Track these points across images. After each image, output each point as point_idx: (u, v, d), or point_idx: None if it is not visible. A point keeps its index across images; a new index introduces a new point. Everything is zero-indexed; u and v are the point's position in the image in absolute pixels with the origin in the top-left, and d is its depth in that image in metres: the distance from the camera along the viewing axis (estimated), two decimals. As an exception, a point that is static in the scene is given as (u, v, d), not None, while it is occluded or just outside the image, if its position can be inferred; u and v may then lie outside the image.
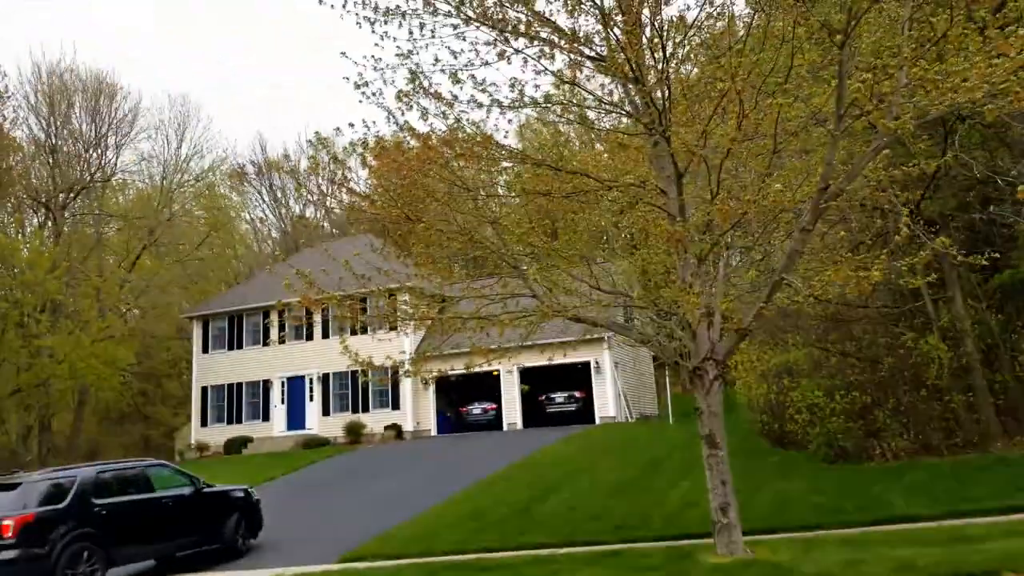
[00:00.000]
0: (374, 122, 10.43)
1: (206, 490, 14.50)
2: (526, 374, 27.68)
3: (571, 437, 23.91)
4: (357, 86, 9.35)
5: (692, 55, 9.81)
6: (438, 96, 9.33)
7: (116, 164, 43.20)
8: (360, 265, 10.07)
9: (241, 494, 15.19)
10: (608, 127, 10.98)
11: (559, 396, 30.01)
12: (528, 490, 16.66)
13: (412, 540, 13.45)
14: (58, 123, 40.58)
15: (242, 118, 74.65)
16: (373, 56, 9.22)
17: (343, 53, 9.07)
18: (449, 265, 10.70)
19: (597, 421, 28.42)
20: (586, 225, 11.29)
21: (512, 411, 29.61)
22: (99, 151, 41.63)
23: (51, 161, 39.83)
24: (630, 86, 9.22)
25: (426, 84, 9.23)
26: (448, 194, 10.19)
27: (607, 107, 9.68)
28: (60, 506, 12.17)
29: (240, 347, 33.95)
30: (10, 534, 11.48)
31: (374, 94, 9.39)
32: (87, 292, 36.18)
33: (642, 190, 9.76)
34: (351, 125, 9.85)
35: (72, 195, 40.31)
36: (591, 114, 10.16)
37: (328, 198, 47.74)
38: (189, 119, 47.09)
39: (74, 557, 12.00)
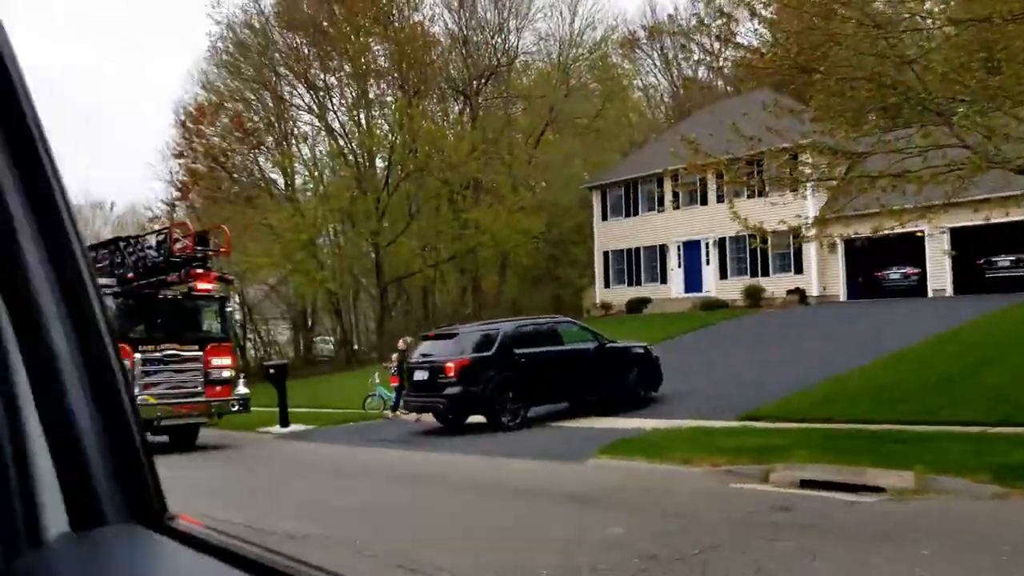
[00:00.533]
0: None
1: (608, 345, 15.71)
2: (958, 234, 24.11)
3: (1017, 306, 20.53)
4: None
5: None
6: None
7: (518, 47, 46.39)
8: (751, 126, 9.54)
9: (641, 350, 16.16)
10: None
11: (1003, 259, 25.77)
12: (954, 363, 14.87)
13: (814, 405, 13.09)
14: (467, 15, 44.68)
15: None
16: None
17: None
18: (855, 117, 9.58)
19: (1054, 287, 24.01)
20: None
21: (939, 276, 26.39)
22: (503, 36, 45.05)
23: (464, 52, 44.25)
24: None
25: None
26: (852, 35, 8.98)
27: None
28: (488, 354, 14.26)
29: (636, 213, 35.24)
30: (452, 374, 13.90)
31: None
32: (501, 169, 40.37)
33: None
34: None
35: (483, 81, 44.54)
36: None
37: (716, 57, 45.85)
38: (581, -9, 47.86)
39: (502, 395, 14.13)
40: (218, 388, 15.58)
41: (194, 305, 15.95)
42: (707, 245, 32.19)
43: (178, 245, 15.27)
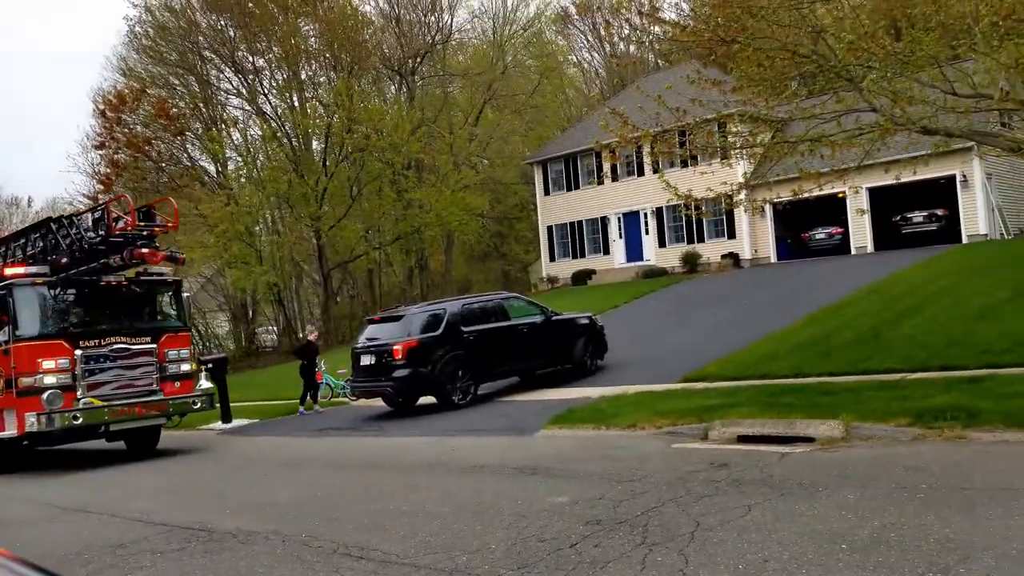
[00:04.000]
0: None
1: (554, 318, 16.01)
2: (876, 193, 25.22)
3: (931, 260, 21.67)
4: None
5: None
6: None
7: (452, 25, 46.11)
8: (675, 98, 9.83)
9: (586, 321, 16.51)
10: None
11: (916, 215, 27.09)
12: (877, 316, 15.67)
13: (752, 363, 13.61)
14: (399, -7, 44.09)
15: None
16: None
17: None
18: (772, 86, 9.96)
19: (964, 240, 25.32)
20: (942, 19, 9.61)
21: (861, 234, 27.51)
22: (436, 14, 44.67)
23: (397, 31, 43.75)
24: None
25: None
26: (767, 7, 9.32)
27: None
28: (436, 333, 14.39)
29: (577, 187, 35.63)
30: (400, 356, 13.97)
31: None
32: (442, 148, 40.24)
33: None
34: (658, -53, 9.35)
35: (418, 60, 44.18)
36: None
37: (641, 32, 46.32)
38: (512, -32, 47.80)
39: (452, 374, 14.28)
40: (176, 384, 13.96)
41: (143, 290, 14.17)
42: (645, 215, 32.80)
43: (119, 224, 13.26)
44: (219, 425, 17.26)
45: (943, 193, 25.96)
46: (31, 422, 12.24)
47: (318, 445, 13.33)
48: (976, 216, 25.46)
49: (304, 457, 12.11)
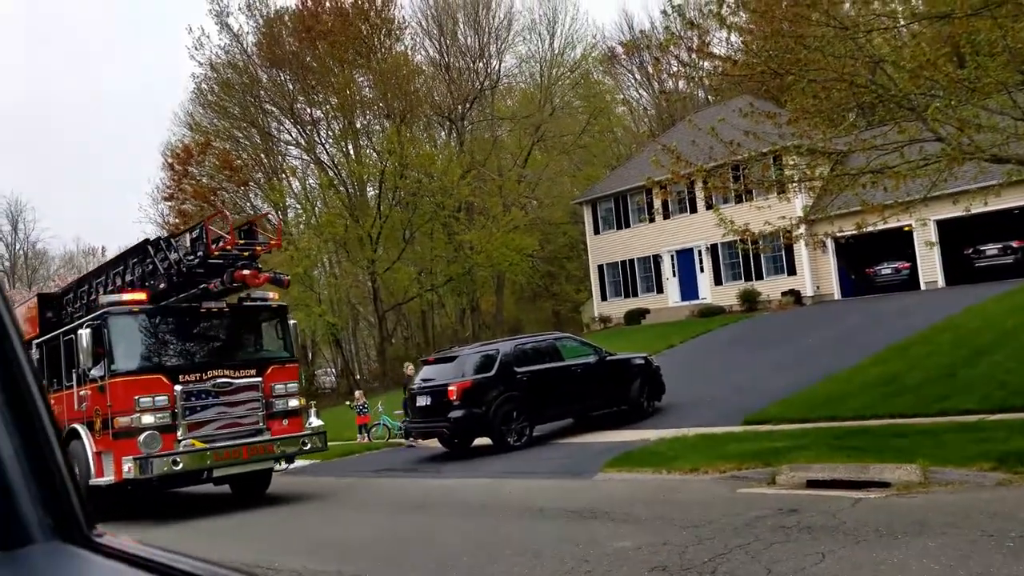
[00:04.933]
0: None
1: (608, 358, 15.76)
2: (945, 226, 24.29)
3: (1007, 294, 20.66)
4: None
5: None
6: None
7: (500, 70, 46.87)
8: (728, 132, 9.69)
9: (641, 361, 16.22)
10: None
11: (990, 248, 25.98)
12: (951, 353, 14.97)
13: (817, 404, 13.15)
14: (448, 42, 45.16)
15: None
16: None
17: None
18: (829, 117, 9.74)
19: (1041, 273, 24.22)
20: (1009, 44, 9.29)
21: (930, 268, 26.54)
22: (484, 60, 45.50)
23: (447, 78, 44.65)
24: None
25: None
26: (821, 38, 9.15)
27: None
28: (490, 374, 14.30)
29: (628, 226, 35.40)
30: (455, 397, 13.89)
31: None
32: (491, 191, 40.63)
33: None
34: (708, -17, 9.32)
35: (468, 105, 44.92)
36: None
37: (690, 68, 46.37)
38: (558, 13, 48.55)
39: (506, 415, 14.14)
40: (285, 422, 12.47)
41: (246, 317, 12.81)
42: (699, 252, 32.34)
43: (218, 244, 11.77)
44: (281, 465, 17.29)
45: (1018, 224, 24.92)
46: (128, 467, 10.93)
47: (378, 486, 13.31)
48: (1053, 247, 24.42)
49: (365, 499, 12.09)
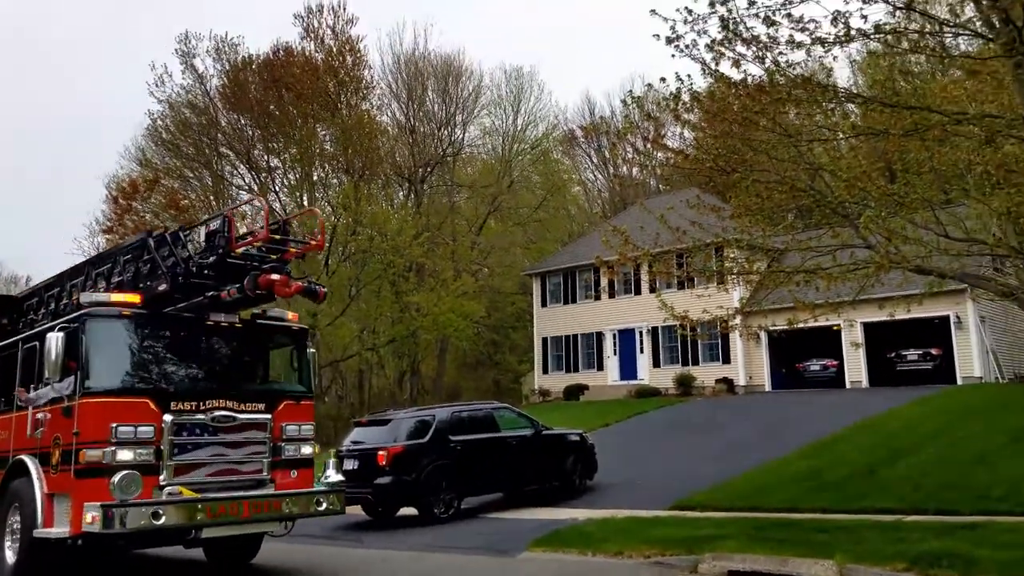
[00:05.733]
0: (688, 76, 10.17)
1: (545, 432, 15.73)
2: (871, 328, 25.35)
3: (926, 398, 21.55)
4: (669, 41, 9.24)
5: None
6: (755, 40, 8.86)
7: (463, 139, 47.84)
8: (675, 220, 10.07)
9: (577, 438, 16.23)
10: (956, 53, 9.53)
11: (911, 353, 27.17)
12: (872, 452, 15.43)
13: (744, 494, 13.32)
14: (415, 107, 46.01)
15: (572, 74, 77.52)
16: (685, 8, 9.03)
17: (653, 11, 9.02)
18: (770, 216, 10.23)
19: (959, 381, 25.26)
20: (935, 165, 9.97)
21: (855, 368, 27.47)
22: (449, 128, 46.43)
23: (411, 141, 45.31)
24: (983, 1, 7.89)
25: (741, 30, 8.81)
26: (767, 142, 9.69)
27: (952, 29, 8.40)
28: (423, 441, 14.07)
29: (575, 301, 35.87)
30: (384, 462, 13.57)
31: (687, 47, 9.20)
32: (444, 254, 40.88)
33: (1001, 121, 8.35)
34: (663, 80, 9.79)
35: (428, 170, 45.54)
36: (931, 41, 8.90)
37: (645, 156, 48.13)
38: (523, 91, 50.02)
39: (436, 485, 13.84)
40: (293, 474, 9.99)
41: (259, 337, 10.42)
42: (641, 333, 32.87)
43: (244, 240, 9.56)
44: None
45: (938, 332, 26.12)
46: (91, 516, 8.19)
47: (292, 555, 12.79)
48: (971, 357, 25.51)
49: (280, 570, 11.61)
